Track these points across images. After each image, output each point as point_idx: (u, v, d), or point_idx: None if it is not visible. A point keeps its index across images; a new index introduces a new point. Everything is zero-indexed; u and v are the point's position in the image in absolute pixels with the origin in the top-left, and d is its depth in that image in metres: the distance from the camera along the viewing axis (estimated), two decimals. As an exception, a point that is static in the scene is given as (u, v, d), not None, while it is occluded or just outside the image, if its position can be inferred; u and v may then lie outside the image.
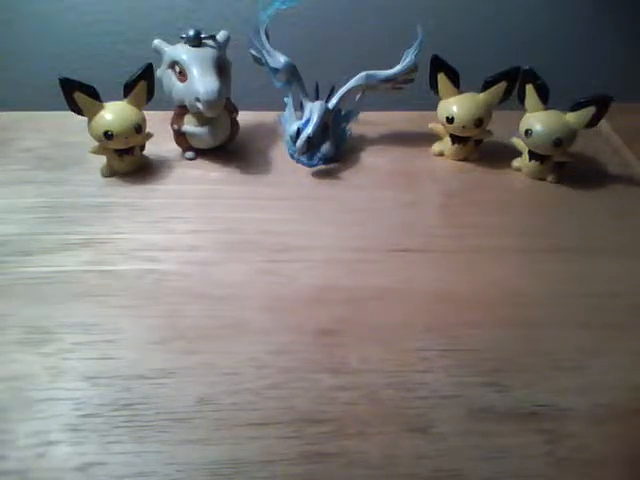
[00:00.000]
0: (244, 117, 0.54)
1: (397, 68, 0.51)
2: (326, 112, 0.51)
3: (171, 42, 0.49)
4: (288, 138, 0.52)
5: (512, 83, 0.49)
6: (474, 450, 0.31)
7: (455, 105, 0.50)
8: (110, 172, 0.50)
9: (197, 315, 0.38)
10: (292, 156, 0.51)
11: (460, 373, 0.35)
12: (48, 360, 0.34)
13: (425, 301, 0.39)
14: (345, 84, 0.51)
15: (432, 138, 0.55)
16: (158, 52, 0.49)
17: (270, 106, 0.56)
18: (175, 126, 0.51)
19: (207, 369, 0.34)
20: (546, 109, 0.48)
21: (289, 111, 0.54)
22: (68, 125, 0.52)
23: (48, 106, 0.54)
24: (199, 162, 0.52)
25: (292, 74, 0.51)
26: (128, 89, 0.47)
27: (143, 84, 0.48)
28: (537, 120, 0.48)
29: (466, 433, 0.31)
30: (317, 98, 0.52)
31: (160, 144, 0.52)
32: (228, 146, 0.53)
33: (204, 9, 0.64)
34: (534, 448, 0.31)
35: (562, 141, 0.47)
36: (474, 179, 0.52)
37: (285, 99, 0.54)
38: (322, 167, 0.52)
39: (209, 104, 0.46)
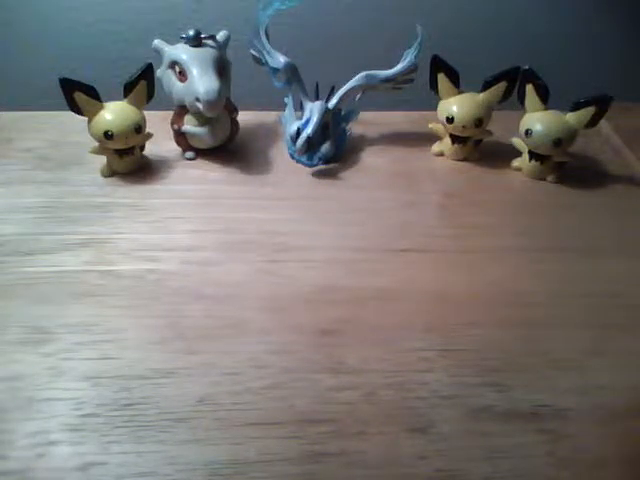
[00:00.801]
0: (244, 117, 0.54)
1: (397, 68, 0.51)
2: (326, 112, 0.51)
3: (171, 42, 0.49)
4: (288, 138, 0.52)
5: (512, 83, 0.49)
6: (474, 450, 0.31)
7: (455, 105, 0.50)
8: (110, 172, 0.50)
9: (197, 315, 0.38)
10: (292, 156, 0.51)
11: (460, 373, 0.35)
12: (48, 360, 0.34)
13: (425, 301, 0.39)
14: (345, 84, 0.51)
15: (432, 138, 0.55)
16: (158, 52, 0.49)
17: (270, 106, 0.56)
18: (175, 126, 0.51)
19: (207, 369, 0.34)
20: (546, 109, 0.48)
21: (289, 111, 0.54)
22: (68, 125, 0.52)
23: (48, 106, 0.54)
24: (199, 162, 0.52)
25: (292, 74, 0.51)
26: (128, 89, 0.47)
27: (143, 84, 0.48)
28: (537, 120, 0.48)
29: (466, 433, 0.31)
30: (317, 98, 0.52)
31: (160, 144, 0.52)
32: (228, 146, 0.53)
33: (204, 9, 0.64)
34: (534, 448, 0.31)
35: (562, 141, 0.47)
36: (474, 179, 0.52)
37: (285, 99, 0.54)
38: (322, 167, 0.52)
39: (209, 104, 0.46)
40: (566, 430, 0.32)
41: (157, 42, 0.49)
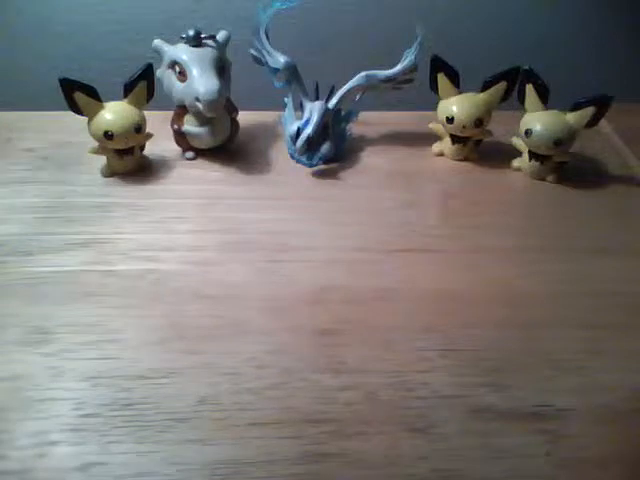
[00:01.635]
0: (244, 117, 0.54)
1: (397, 68, 0.51)
2: (326, 112, 0.51)
3: (171, 42, 0.49)
4: (288, 138, 0.52)
5: (512, 83, 0.49)
6: (474, 450, 0.31)
7: (455, 105, 0.50)
8: (110, 172, 0.50)
9: (197, 315, 0.38)
10: (292, 156, 0.51)
11: (460, 373, 0.35)
12: (48, 360, 0.34)
13: (425, 301, 0.39)
14: (345, 84, 0.51)
15: (432, 138, 0.55)
16: (158, 52, 0.49)
17: (270, 106, 0.56)
18: (175, 126, 0.51)
19: (207, 369, 0.34)
20: (546, 109, 0.48)
21: (289, 111, 0.54)
22: (68, 125, 0.52)
23: (48, 106, 0.54)
24: (199, 162, 0.52)
25: (292, 74, 0.51)
26: (128, 89, 0.47)
27: (143, 84, 0.48)
28: (537, 120, 0.48)
29: (466, 433, 0.31)
30: (317, 98, 0.52)
31: (160, 144, 0.52)
32: (228, 146, 0.53)
33: (204, 9, 0.64)
34: (534, 448, 0.31)
35: (562, 141, 0.47)
36: (474, 179, 0.52)
37: (285, 99, 0.54)
38: (322, 167, 0.52)
39: (209, 104, 0.46)
40: (566, 430, 0.32)
41: (157, 42, 0.49)
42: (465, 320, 0.38)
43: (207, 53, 0.48)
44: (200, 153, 0.53)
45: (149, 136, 0.49)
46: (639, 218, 0.48)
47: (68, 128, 0.53)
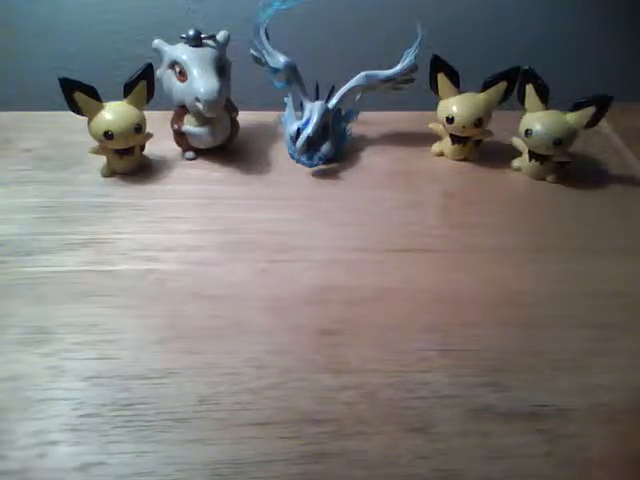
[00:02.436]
0: (244, 117, 0.54)
1: (397, 68, 0.51)
2: (326, 112, 0.51)
3: (171, 42, 0.49)
4: (288, 138, 0.52)
5: (512, 83, 0.49)
6: (474, 450, 0.31)
7: (455, 105, 0.50)
8: (110, 172, 0.50)
9: (197, 315, 0.38)
10: (292, 156, 0.51)
11: (460, 373, 0.35)
12: (48, 360, 0.34)
13: (425, 301, 0.39)
14: (345, 84, 0.51)
15: (432, 138, 0.55)
16: (158, 52, 0.49)
17: (270, 106, 0.56)
18: (175, 126, 0.51)
19: (207, 369, 0.34)
20: (546, 109, 0.48)
21: (289, 111, 0.54)
22: (68, 125, 0.52)
23: (48, 106, 0.54)
24: (199, 162, 0.52)
25: (292, 74, 0.51)
26: (128, 89, 0.47)
27: (143, 84, 0.48)
28: (537, 120, 0.48)
29: (466, 433, 0.31)
30: (317, 98, 0.52)
31: (160, 144, 0.52)
32: (228, 146, 0.53)
33: (204, 9, 0.64)
34: (534, 448, 0.31)
35: (562, 141, 0.47)
36: (474, 179, 0.52)
37: (285, 99, 0.54)
38: (322, 167, 0.52)
39: (209, 104, 0.46)
40: (566, 430, 0.32)
41: (157, 42, 0.49)
42: (465, 320, 0.38)
43: (207, 53, 0.48)
44: (200, 153, 0.53)
45: (149, 136, 0.49)
46: (639, 218, 0.48)
47: (68, 128, 0.54)
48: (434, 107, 0.52)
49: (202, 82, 0.46)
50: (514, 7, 0.66)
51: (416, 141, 0.56)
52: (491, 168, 0.53)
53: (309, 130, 0.50)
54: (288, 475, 0.30)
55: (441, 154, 0.54)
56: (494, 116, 0.51)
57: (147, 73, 0.48)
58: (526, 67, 0.48)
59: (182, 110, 0.50)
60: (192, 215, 0.46)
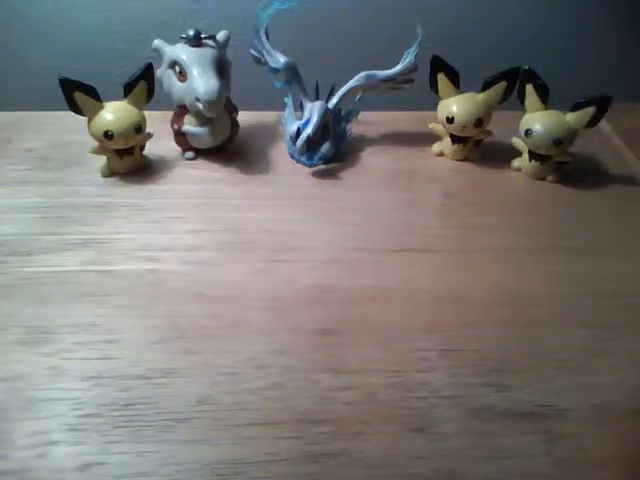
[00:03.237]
0: (244, 117, 0.54)
1: (397, 68, 0.51)
2: (326, 112, 0.51)
3: (171, 42, 0.49)
4: (288, 138, 0.52)
5: (512, 83, 0.49)
6: (474, 450, 0.31)
7: (455, 105, 0.50)
8: (110, 172, 0.50)
9: (197, 315, 0.38)
10: (292, 156, 0.51)
11: (460, 373, 0.35)
12: (48, 360, 0.34)
13: (425, 301, 0.39)
14: (345, 84, 0.51)
15: (432, 138, 0.55)
16: (158, 52, 0.49)
17: (270, 106, 0.56)
18: (175, 126, 0.51)
19: (207, 369, 0.34)
20: (546, 109, 0.48)
21: (289, 111, 0.54)
22: (68, 125, 0.52)
23: (48, 106, 0.54)
24: (199, 162, 0.52)
25: (292, 74, 0.51)
26: (128, 89, 0.47)
27: (143, 84, 0.48)
28: (537, 120, 0.48)
29: (466, 433, 0.31)
30: (317, 98, 0.52)
31: (160, 144, 0.52)
32: (228, 146, 0.53)
33: (204, 9, 0.64)
34: (534, 448, 0.31)
35: (562, 141, 0.47)
36: (474, 179, 0.52)
37: (285, 99, 0.54)
38: (322, 167, 0.52)
39: (209, 104, 0.46)
40: (566, 430, 0.32)
41: (157, 42, 0.49)
42: (465, 320, 0.38)
43: (207, 53, 0.48)
44: (200, 153, 0.53)
45: (149, 136, 0.50)
46: (639, 218, 0.48)
47: (68, 128, 0.54)
48: (434, 107, 0.52)
49: (202, 82, 0.46)
50: (514, 7, 0.66)
51: (416, 141, 0.56)
52: (491, 168, 0.53)
53: (309, 130, 0.50)
54: (288, 475, 0.30)
55: (441, 154, 0.54)
56: (494, 116, 0.51)
57: (147, 73, 0.48)
58: (526, 67, 0.48)
59: (182, 110, 0.50)
60: (192, 215, 0.46)
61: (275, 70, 0.50)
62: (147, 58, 0.48)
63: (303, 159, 0.51)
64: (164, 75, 0.49)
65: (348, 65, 0.51)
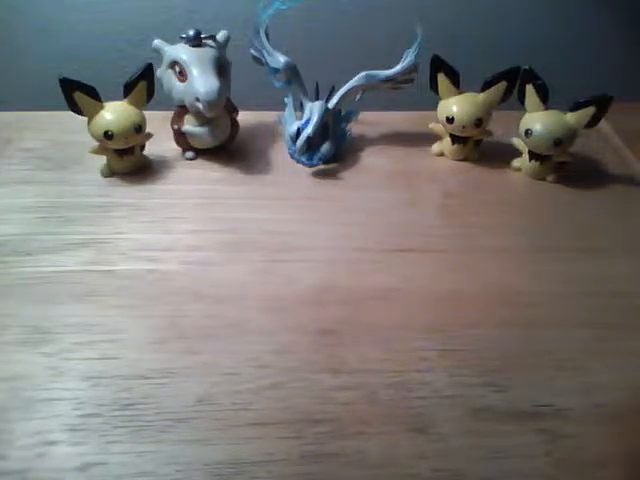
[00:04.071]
0: (244, 117, 0.54)
1: (397, 68, 0.51)
2: (326, 112, 0.51)
3: (171, 42, 0.49)
4: (288, 138, 0.52)
5: (512, 83, 0.49)
6: (474, 450, 0.31)
7: (455, 105, 0.50)
8: (110, 172, 0.50)
9: (197, 315, 0.38)
10: (292, 156, 0.51)
11: (460, 373, 0.35)
12: (48, 360, 0.34)
13: (425, 301, 0.39)
14: (345, 84, 0.51)
15: (432, 138, 0.55)
16: (158, 52, 0.49)
17: (270, 106, 0.56)
18: (175, 126, 0.51)
19: (207, 369, 0.34)
20: (546, 109, 0.48)
21: (289, 111, 0.54)
22: (68, 125, 0.52)
23: (48, 106, 0.54)
24: (199, 162, 0.52)
25: (292, 74, 0.51)
26: (128, 89, 0.47)
27: (143, 84, 0.48)
28: (537, 120, 0.48)
29: (466, 433, 0.32)
30: (317, 98, 0.52)
31: (160, 144, 0.52)
32: (228, 146, 0.53)
33: (204, 9, 0.63)
34: (534, 448, 0.31)
35: (562, 141, 0.47)
36: (474, 179, 0.52)
37: (285, 99, 0.54)
38: (322, 167, 0.52)
39: (209, 104, 0.46)
40: (566, 430, 0.32)
41: (157, 42, 0.49)
42: (465, 320, 0.38)
43: (207, 53, 0.48)
44: (200, 153, 0.53)
45: (149, 136, 0.50)
46: (639, 218, 0.48)
47: (68, 128, 0.53)
48: (434, 107, 0.52)
49: (202, 82, 0.46)
50: (514, 7, 0.66)
51: (416, 141, 0.56)
52: (491, 168, 0.53)
53: (309, 130, 0.50)
54: (288, 475, 0.30)
55: (441, 154, 0.54)
56: (494, 116, 0.51)
57: (147, 73, 0.47)
58: (526, 67, 0.48)
59: (182, 110, 0.50)
60: (192, 215, 0.46)
61: (275, 70, 0.50)
62: (147, 58, 0.48)
63: (303, 159, 0.51)
64: (164, 75, 0.49)
65: (348, 65, 0.51)
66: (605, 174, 0.53)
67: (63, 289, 0.39)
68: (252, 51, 0.52)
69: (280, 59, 0.50)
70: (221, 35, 0.50)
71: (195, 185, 0.49)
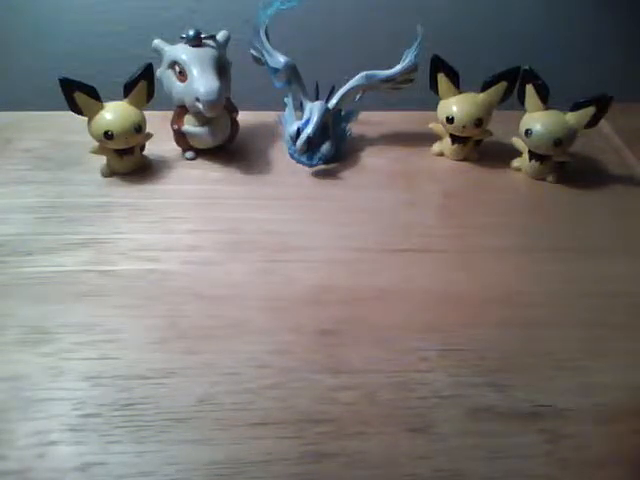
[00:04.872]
0: (244, 117, 0.54)
1: (397, 68, 0.51)
2: (326, 112, 0.51)
3: (171, 42, 0.49)
4: (288, 138, 0.52)
5: (512, 83, 0.49)
6: (474, 450, 0.31)
7: (455, 105, 0.50)
8: (110, 172, 0.50)
9: (197, 315, 0.38)
10: (292, 156, 0.51)
11: (460, 373, 0.35)
12: (48, 360, 0.34)
13: (425, 301, 0.39)
14: (345, 84, 0.51)
15: (432, 138, 0.55)
16: (158, 52, 0.49)
17: (270, 106, 0.56)
18: (175, 126, 0.51)
19: (207, 369, 0.34)
20: (546, 109, 0.48)
21: (289, 111, 0.54)
22: (68, 125, 0.52)
23: (48, 106, 0.54)
24: (199, 162, 0.52)
25: (292, 74, 0.51)
26: (128, 89, 0.47)
27: (143, 84, 0.48)
28: (537, 120, 0.48)
29: (466, 433, 0.32)
30: (317, 98, 0.52)
31: (160, 144, 0.52)
32: (228, 146, 0.53)
33: (204, 9, 0.64)
34: (534, 448, 0.31)
35: (562, 141, 0.47)
36: (474, 179, 0.52)
37: (285, 99, 0.54)
38: (322, 167, 0.52)
39: (209, 104, 0.46)
40: (566, 430, 0.32)
41: (157, 42, 0.49)
42: (465, 320, 0.38)
43: (207, 53, 0.48)
44: (200, 153, 0.53)
45: (149, 136, 0.50)
46: (639, 218, 0.48)
47: (68, 128, 0.53)
48: (434, 107, 0.52)
49: (202, 82, 0.46)
50: (514, 7, 0.66)
51: (416, 141, 0.56)
52: (491, 168, 0.53)
53: (309, 130, 0.50)
54: (288, 475, 0.30)
55: (441, 154, 0.54)
56: (494, 116, 0.51)
57: (147, 73, 0.47)
58: (526, 67, 0.48)
59: (182, 110, 0.50)
60: (192, 215, 0.46)
61: (275, 70, 0.50)
62: (147, 58, 0.48)
63: (303, 159, 0.51)
64: (164, 75, 0.49)
65: (348, 65, 0.51)
66: (605, 174, 0.53)
67: (63, 289, 0.39)
68: (252, 51, 0.52)
69: (280, 59, 0.50)
70: (221, 35, 0.50)
71: (195, 185, 0.49)
